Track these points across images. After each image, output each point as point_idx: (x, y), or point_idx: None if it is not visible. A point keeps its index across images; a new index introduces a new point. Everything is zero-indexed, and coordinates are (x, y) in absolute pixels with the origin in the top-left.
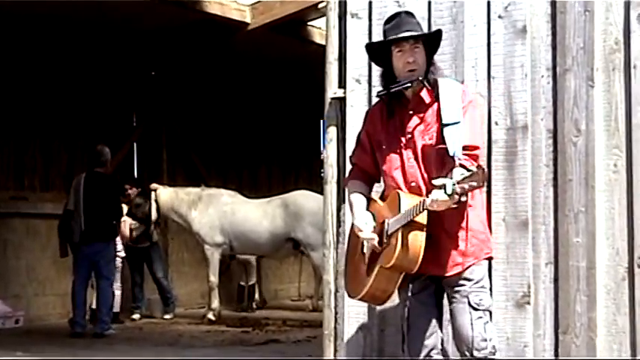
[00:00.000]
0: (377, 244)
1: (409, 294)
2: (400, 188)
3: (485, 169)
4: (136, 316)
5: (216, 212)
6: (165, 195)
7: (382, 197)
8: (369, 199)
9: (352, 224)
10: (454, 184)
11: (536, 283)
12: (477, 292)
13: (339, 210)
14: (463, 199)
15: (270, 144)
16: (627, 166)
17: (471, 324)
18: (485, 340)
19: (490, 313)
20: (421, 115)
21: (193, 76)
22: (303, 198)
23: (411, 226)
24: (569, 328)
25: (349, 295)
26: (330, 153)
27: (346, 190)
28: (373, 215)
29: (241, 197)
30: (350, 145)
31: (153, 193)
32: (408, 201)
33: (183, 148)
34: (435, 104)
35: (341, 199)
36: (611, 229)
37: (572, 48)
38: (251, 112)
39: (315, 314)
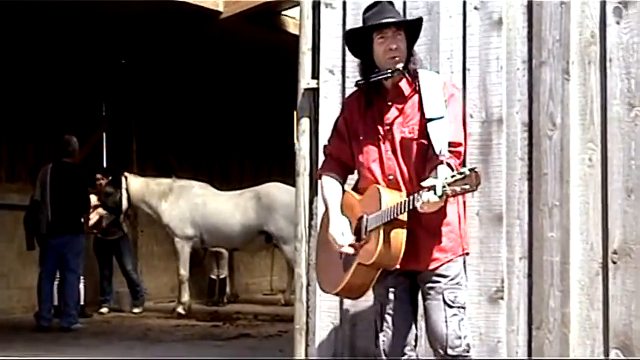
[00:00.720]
0: (355, 242)
1: (384, 289)
2: (377, 181)
3: (480, 172)
4: (104, 309)
5: (187, 204)
6: (135, 184)
7: (356, 189)
8: (343, 191)
9: (323, 217)
10: (444, 186)
11: (510, 278)
12: (452, 289)
13: (311, 202)
14: (451, 200)
15: (242, 135)
16: (602, 161)
17: (446, 321)
18: (460, 338)
19: (465, 310)
20: (400, 106)
21: (164, 65)
22: (275, 190)
23: (392, 223)
24: (542, 323)
25: (323, 290)
26: (302, 145)
27: (319, 182)
28: (349, 219)
29: (213, 189)
30: (323, 137)
31: (124, 181)
32: (389, 197)
33: (154, 139)
34: (416, 96)
35: (313, 192)
36: (586, 223)
37: (548, 40)
38: (223, 103)
39: (287, 308)
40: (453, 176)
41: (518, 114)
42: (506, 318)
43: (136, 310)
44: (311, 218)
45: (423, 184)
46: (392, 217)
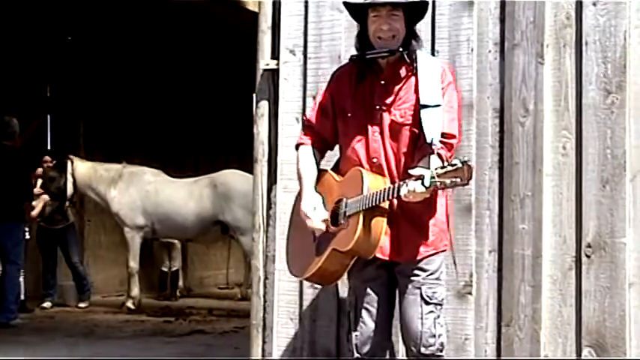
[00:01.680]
0: (331, 225)
1: (361, 282)
2: (361, 163)
3: (473, 165)
4: (47, 304)
5: (138, 192)
6: (82, 169)
7: (337, 169)
8: (321, 171)
9: (297, 198)
10: (433, 177)
11: (479, 272)
12: (431, 284)
13: (269, 191)
14: (440, 193)
15: (198, 119)
16: (577, 149)
17: (421, 318)
18: (434, 337)
19: (442, 307)
20: (394, 87)
21: (115, 43)
22: (232, 178)
23: (373, 210)
24: (512, 320)
25: (292, 274)
26: (260, 129)
27: (297, 152)
28: (323, 198)
29: (166, 176)
30: (283, 121)
31: (69, 165)
32: (372, 182)
33: (103, 122)
34: (412, 79)
35: (272, 179)
36: (559, 215)
37: (522, 22)
38: (178, 85)
39: (244, 303)
40: (443, 167)
41: (490, 99)
42: (475, 314)
43: (81, 305)
44: (269, 207)
45: (411, 172)
46: (373, 203)
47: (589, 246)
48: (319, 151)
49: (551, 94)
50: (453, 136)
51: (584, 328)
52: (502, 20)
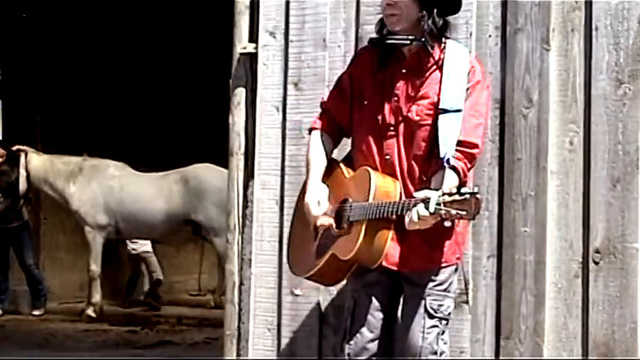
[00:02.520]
0: (334, 226)
1: (361, 286)
2: (373, 157)
3: (481, 198)
4: None
5: (100, 187)
6: (37, 162)
7: (348, 160)
8: (331, 161)
9: (303, 187)
10: (439, 204)
11: (476, 279)
12: (437, 295)
13: (246, 187)
14: (447, 224)
15: (168, 108)
16: (585, 145)
17: (423, 332)
18: (435, 354)
19: (447, 322)
20: (415, 79)
21: (76, 20)
22: (205, 172)
23: (378, 221)
24: (512, 332)
25: (292, 271)
26: (237, 119)
27: (308, 136)
28: (332, 186)
29: (131, 170)
30: (261, 110)
31: (22, 157)
32: (380, 185)
33: (63, 110)
34: (437, 73)
35: (249, 174)
36: (565, 217)
37: (526, 4)
38: (146, 70)
39: (218, 312)
40: (451, 194)
41: (489, 88)
42: (471, 325)
43: (36, 312)
44: (246, 206)
45: (416, 194)
46: (378, 215)
47: (597, 251)
48: (332, 138)
49: (558, 84)
50: (475, 146)
51: (590, 341)
52: (504, 2)
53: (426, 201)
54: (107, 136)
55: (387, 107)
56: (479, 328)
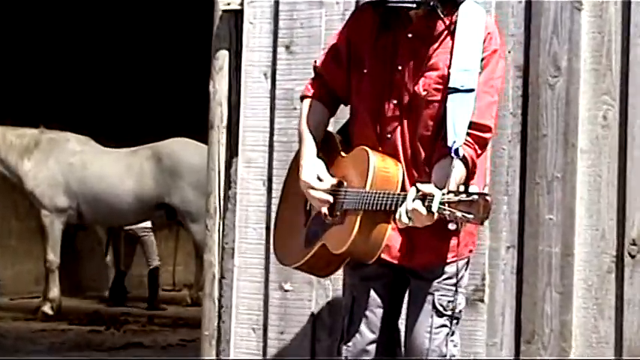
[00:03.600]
0: (326, 213)
1: (359, 280)
2: (373, 135)
3: (491, 200)
4: None
5: (59, 164)
6: None
7: (345, 132)
8: (327, 135)
9: (292, 163)
10: (442, 203)
11: (494, 274)
12: (446, 290)
13: (228, 166)
14: (451, 227)
15: (139, 72)
16: (621, 120)
17: (430, 332)
18: (444, 357)
19: (458, 321)
20: (423, 46)
21: None
22: (181, 148)
23: (375, 213)
24: (534, 335)
25: (278, 260)
26: (218, 86)
27: (300, 104)
28: (326, 164)
29: (96, 145)
30: (247, 77)
31: None
32: (380, 169)
33: (17, 77)
34: (448, 40)
35: (232, 151)
36: (596, 203)
37: None
38: (113, 28)
39: (195, 309)
40: (458, 193)
41: (511, 54)
42: (487, 327)
43: None
44: (228, 187)
45: (421, 187)
46: (374, 207)
47: (634, 243)
48: (327, 107)
49: (590, 49)
50: (488, 129)
51: (625, 346)
52: None
53: (428, 198)
54: (68, 105)
55: (389, 78)
56: (496, 330)
